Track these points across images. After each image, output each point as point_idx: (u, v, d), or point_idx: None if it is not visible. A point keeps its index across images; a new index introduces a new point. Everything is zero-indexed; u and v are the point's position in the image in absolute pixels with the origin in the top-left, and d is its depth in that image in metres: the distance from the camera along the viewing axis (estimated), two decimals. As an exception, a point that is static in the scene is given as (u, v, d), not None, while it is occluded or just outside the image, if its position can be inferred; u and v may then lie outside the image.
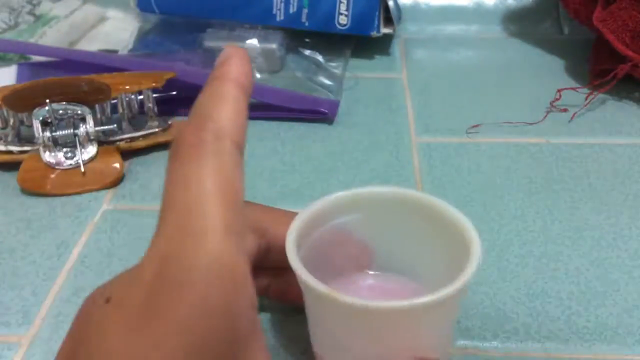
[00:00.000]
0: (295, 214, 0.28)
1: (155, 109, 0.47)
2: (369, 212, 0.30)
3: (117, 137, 0.46)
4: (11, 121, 0.45)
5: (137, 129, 0.47)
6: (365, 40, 0.61)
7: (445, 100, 0.54)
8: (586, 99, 0.51)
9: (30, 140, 0.45)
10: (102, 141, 0.45)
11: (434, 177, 0.44)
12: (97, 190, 0.43)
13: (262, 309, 0.33)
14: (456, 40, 0.65)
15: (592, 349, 0.31)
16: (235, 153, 0.22)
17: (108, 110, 0.46)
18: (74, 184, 0.43)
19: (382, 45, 0.63)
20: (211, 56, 0.56)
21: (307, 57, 0.59)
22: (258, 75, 0.57)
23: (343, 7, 0.58)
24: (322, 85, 0.55)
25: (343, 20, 0.59)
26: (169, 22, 0.65)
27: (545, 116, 0.50)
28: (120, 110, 0.47)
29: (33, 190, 0.43)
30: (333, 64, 0.58)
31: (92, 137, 0.44)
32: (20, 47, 0.58)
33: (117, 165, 0.44)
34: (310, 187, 0.43)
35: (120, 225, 0.40)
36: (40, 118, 0.43)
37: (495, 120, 0.50)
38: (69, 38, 0.63)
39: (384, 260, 0.31)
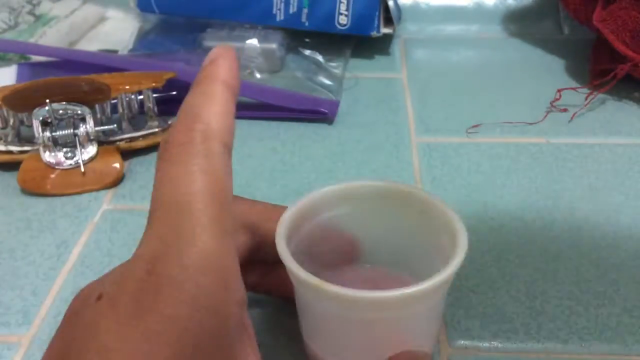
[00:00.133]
0: (283, 208, 0.29)
1: (155, 109, 0.47)
2: (357, 205, 0.30)
3: (117, 137, 0.46)
4: (11, 121, 0.45)
5: (137, 129, 0.47)
6: (365, 40, 0.61)
7: (445, 100, 0.54)
8: (586, 99, 0.51)
9: (30, 140, 0.45)
10: (102, 141, 0.45)
11: (434, 177, 0.44)
12: (97, 190, 0.43)
13: (253, 304, 0.33)
14: (456, 40, 0.65)
15: (592, 349, 0.31)
16: (224, 153, 0.23)
17: (108, 110, 0.46)
18: (74, 184, 0.43)
19: (382, 45, 0.63)
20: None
21: (307, 57, 0.60)
22: (258, 75, 0.57)
23: (343, 7, 0.58)
24: (322, 85, 0.55)
25: (343, 20, 0.59)
26: (169, 22, 0.65)
27: (545, 116, 0.50)
28: (120, 110, 0.47)
29: (33, 190, 0.43)
30: (333, 64, 0.58)
31: (92, 137, 0.44)
32: (20, 47, 0.58)
33: (117, 165, 0.44)
34: (310, 187, 0.43)
35: (120, 225, 0.40)
36: (40, 118, 0.43)
37: (495, 120, 0.50)
38: (69, 38, 0.63)
39: (374, 253, 0.32)
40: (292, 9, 0.59)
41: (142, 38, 0.64)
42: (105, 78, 0.46)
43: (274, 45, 0.58)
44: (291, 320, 0.30)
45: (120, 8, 0.69)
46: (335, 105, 0.52)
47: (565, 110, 0.51)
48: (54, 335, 0.22)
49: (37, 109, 0.43)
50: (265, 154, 0.47)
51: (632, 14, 0.51)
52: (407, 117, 0.51)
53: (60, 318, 0.33)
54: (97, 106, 0.45)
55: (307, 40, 0.61)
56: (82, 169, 0.44)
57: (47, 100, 0.43)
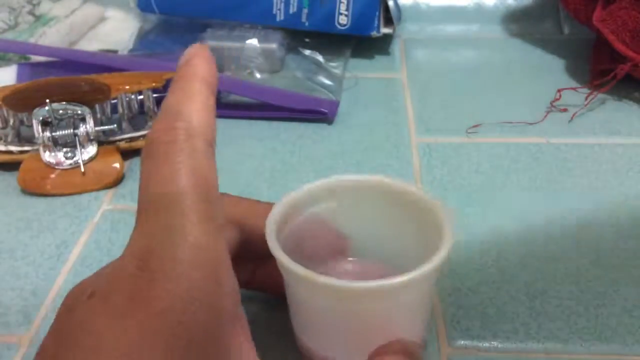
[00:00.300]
0: (270, 204, 0.29)
1: (155, 108, 0.47)
2: (345, 200, 0.31)
3: (117, 137, 0.46)
4: (11, 121, 0.45)
5: (137, 129, 0.47)
6: (365, 40, 0.61)
7: (445, 100, 0.54)
8: (586, 99, 0.51)
9: (30, 140, 0.45)
10: (102, 141, 0.45)
11: (434, 177, 0.44)
12: (97, 190, 0.43)
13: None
14: (456, 40, 0.65)
15: (592, 349, 0.31)
16: (207, 149, 0.23)
17: (108, 110, 0.46)
18: (74, 184, 0.43)
19: (382, 45, 0.63)
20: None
21: (307, 57, 0.60)
22: (258, 76, 0.57)
23: (343, 7, 0.58)
24: (322, 85, 0.55)
25: (343, 20, 0.59)
26: (169, 22, 0.65)
27: (545, 116, 0.50)
28: (120, 110, 0.47)
29: (33, 190, 0.43)
30: (333, 64, 0.58)
31: (92, 137, 0.44)
32: (20, 47, 0.58)
33: (117, 165, 0.44)
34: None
35: (120, 225, 0.40)
36: (40, 118, 0.43)
37: (495, 120, 0.50)
38: (69, 38, 0.63)
39: (362, 247, 0.32)
40: (292, 9, 0.59)
41: (142, 38, 0.64)
42: (105, 78, 0.46)
43: (274, 45, 0.58)
44: (282, 315, 0.30)
45: (120, 8, 0.69)
46: (335, 105, 0.52)
47: (565, 110, 0.51)
48: (47, 333, 0.22)
49: (37, 109, 0.43)
50: (265, 154, 0.47)
51: (632, 14, 0.51)
52: (407, 117, 0.51)
53: (60, 318, 0.33)
54: (97, 106, 0.45)
55: (307, 40, 0.61)
56: (82, 169, 0.44)
57: (47, 100, 0.43)
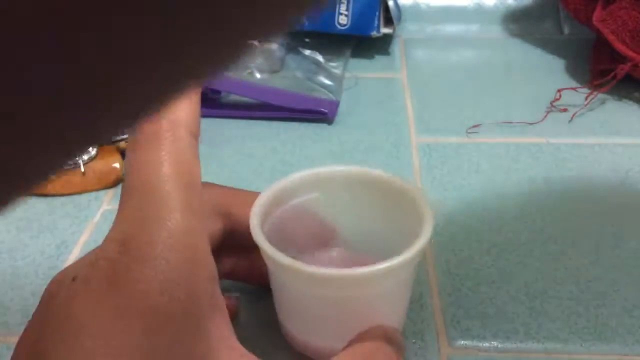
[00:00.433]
0: (255, 193, 0.29)
1: (155, 109, 0.47)
2: (329, 190, 0.31)
3: (117, 137, 0.46)
4: (11, 121, 0.45)
5: (137, 129, 0.47)
6: (365, 40, 0.61)
7: (445, 100, 0.54)
8: (586, 99, 0.51)
9: (30, 140, 0.45)
10: (102, 141, 0.45)
11: (434, 177, 0.44)
12: (97, 190, 0.43)
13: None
14: (456, 40, 0.65)
15: (592, 349, 0.31)
16: (191, 140, 0.24)
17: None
18: (74, 184, 0.43)
19: (382, 45, 0.63)
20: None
21: (307, 57, 0.60)
22: (258, 76, 0.57)
23: (343, 7, 0.58)
24: (322, 85, 0.55)
25: (343, 20, 0.59)
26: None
27: (545, 116, 0.50)
28: (120, 110, 0.47)
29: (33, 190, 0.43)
30: (333, 64, 0.58)
31: (92, 137, 0.44)
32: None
33: (117, 165, 0.44)
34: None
35: (120, 225, 0.40)
36: (40, 118, 0.43)
37: (495, 120, 0.50)
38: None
39: (347, 237, 0.32)
40: (292, 9, 0.59)
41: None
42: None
43: (274, 46, 0.58)
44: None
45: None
46: (335, 105, 0.52)
47: (565, 110, 0.51)
48: (30, 318, 0.23)
49: (37, 109, 0.43)
50: (265, 154, 0.47)
51: (632, 14, 0.51)
52: (407, 117, 0.51)
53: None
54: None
55: (307, 40, 0.61)
56: (82, 169, 0.43)
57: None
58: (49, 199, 0.42)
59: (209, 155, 0.46)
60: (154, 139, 0.23)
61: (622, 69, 0.51)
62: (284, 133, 0.49)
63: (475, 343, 0.31)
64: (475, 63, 0.61)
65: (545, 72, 0.58)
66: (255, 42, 0.57)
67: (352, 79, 0.57)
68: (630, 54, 0.51)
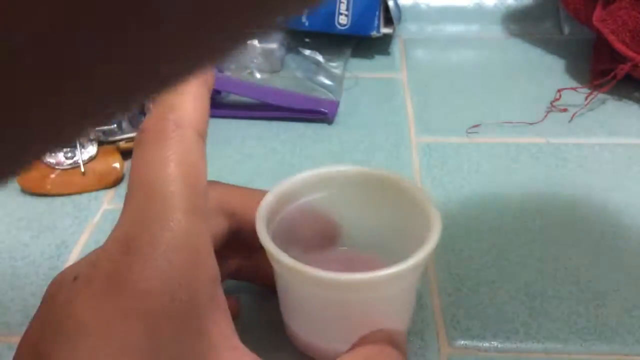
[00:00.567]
0: (263, 192, 0.29)
1: (155, 109, 0.47)
2: (336, 190, 0.31)
3: (117, 137, 0.46)
4: (11, 121, 0.45)
5: (137, 128, 0.47)
6: (365, 40, 0.61)
7: (445, 100, 0.54)
8: (586, 99, 0.51)
9: (30, 140, 0.45)
10: (102, 141, 0.45)
11: (434, 177, 0.44)
12: (97, 190, 0.43)
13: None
14: (456, 40, 0.65)
15: (592, 349, 0.31)
16: (197, 139, 0.24)
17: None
18: (74, 184, 0.43)
19: (382, 45, 0.63)
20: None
21: (307, 57, 0.59)
22: (258, 76, 0.57)
23: (343, 7, 0.58)
24: (322, 85, 0.55)
25: (343, 20, 0.59)
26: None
27: (545, 116, 0.50)
28: (120, 110, 0.47)
29: (33, 190, 0.43)
30: (333, 64, 0.58)
31: (92, 137, 0.44)
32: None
33: (117, 165, 0.44)
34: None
35: (120, 225, 0.40)
36: (40, 118, 0.43)
37: (495, 120, 0.50)
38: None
39: (353, 237, 0.32)
40: (292, 9, 0.59)
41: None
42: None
43: (274, 45, 0.58)
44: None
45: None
46: (335, 105, 0.52)
47: (565, 110, 0.51)
48: (32, 318, 0.23)
49: (37, 109, 0.43)
50: (265, 154, 0.47)
51: (632, 14, 0.51)
52: (407, 117, 0.51)
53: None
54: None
55: (307, 40, 0.61)
56: (82, 169, 0.43)
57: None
58: (49, 199, 0.42)
59: (208, 155, 0.46)
60: (161, 139, 0.23)
61: (622, 69, 0.51)
62: (284, 133, 0.49)
63: (475, 343, 0.31)
64: (475, 63, 0.61)
65: (545, 72, 0.58)
66: (255, 42, 0.57)
67: (352, 79, 0.57)
68: (630, 54, 0.51)
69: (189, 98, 0.24)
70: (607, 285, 0.35)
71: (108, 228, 0.40)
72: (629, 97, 0.53)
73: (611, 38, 0.52)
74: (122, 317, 0.20)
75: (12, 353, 0.31)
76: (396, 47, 0.63)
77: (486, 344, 0.31)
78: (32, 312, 0.34)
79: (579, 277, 0.35)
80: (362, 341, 0.27)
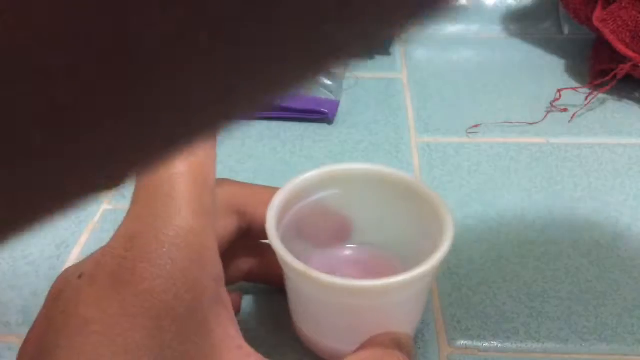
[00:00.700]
0: (274, 189, 0.29)
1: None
2: (347, 187, 0.31)
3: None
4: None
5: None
6: (365, 40, 0.61)
7: (445, 100, 0.54)
8: (586, 99, 0.51)
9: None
10: (102, 141, 0.45)
11: (434, 177, 0.44)
12: (97, 190, 0.43)
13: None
14: (456, 40, 0.65)
15: (592, 349, 0.31)
16: None
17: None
18: (74, 184, 0.43)
19: (382, 46, 0.63)
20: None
21: (307, 57, 0.59)
22: (258, 75, 0.57)
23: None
24: (322, 85, 0.55)
25: (343, 20, 0.59)
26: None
27: (545, 116, 0.50)
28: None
29: (33, 190, 0.43)
30: (333, 64, 0.58)
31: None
32: None
33: (117, 165, 0.44)
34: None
35: (120, 225, 0.40)
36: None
37: (495, 120, 0.50)
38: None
39: (364, 234, 0.32)
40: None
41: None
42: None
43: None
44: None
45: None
46: (335, 105, 0.52)
47: (565, 110, 0.51)
48: (37, 315, 0.23)
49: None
50: (265, 154, 0.47)
51: (632, 14, 0.51)
52: (407, 117, 0.51)
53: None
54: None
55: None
56: (82, 169, 0.43)
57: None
58: (49, 199, 0.42)
59: (209, 155, 0.46)
60: None
61: (622, 69, 0.51)
62: (284, 133, 0.49)
63: (475, 343, 0.31)
64: (475, 63, 0.61)
65: (545, 72, 0.58)
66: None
67: (352, 79, 0.57)
68: (630, 54, 0.51)
69: None
70: (607, 285, 0.35)
71: (108, 228, 0.40)
72: (629, 97, 0.53)
73: (611, 38, 0.52)
74: (127, 315, 0.20)
75: (12, 353, 0.31)
76: (396, 47, 0.63)
77: (486, 344, 0.31)
78: (32, 312, 0.34)
79: (579, 277, 0.35)
80: (370, 343, 0.27)
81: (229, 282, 0.25)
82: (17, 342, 0.32)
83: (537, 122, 0.50)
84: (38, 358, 0.21)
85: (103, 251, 0.22)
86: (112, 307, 0.21)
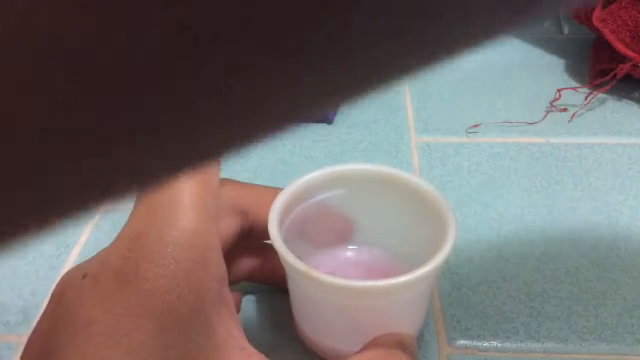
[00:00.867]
0: (277, 190, 0.29)
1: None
2: (351, 188, 0.31)
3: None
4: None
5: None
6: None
7: (445, 100, 0.54)
8: (586, 99, 0.51)
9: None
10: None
11: (434, 177, 0.44)
12: (97, 190, 0.43)
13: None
14: (456, 40, 0.65)
15: (592, 349, 0.31)
16: None
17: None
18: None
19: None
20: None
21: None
22: (258, 75, 0.57)
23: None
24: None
25: (343, 20, 0.59)
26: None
27: (545, 116, 0.50)
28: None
29: (33, 190, 0.43)
30: (333, 64, 0.58)
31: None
32: None
33: (117, 165, 0.44)
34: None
35: (120, 225, 0.40)
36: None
37: (495, 120, 0.50)
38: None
39: (367, 234, 0.32)
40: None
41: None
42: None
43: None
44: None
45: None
46: (335, 105, 0.52)
47: (565, 110, 0.51)
48: (41, 315, 0.23)
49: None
50: (265, 154, 0.47)
51: (632, 14, 0.51)
52: (407, 117, 0.51)
53: (60, 318, 0.33)
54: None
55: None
56: (82, 169, 0.43)
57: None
58: (49, 199, 0.42)
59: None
60: None
61: (622, 69, 0.51)
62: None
63: (475, 343, 0.31)
64: (475, 63, 0.61)
65: (545, 72, 0.58)
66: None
67: (352, 79, 0.57)
68: (630, 54, 0.51)
69: None
70: (607, 285, 0.35)
71: (108, 228, 0.40)
72: (629, 97, 0.53)
73: (611, 38, 0.52)
74: (131, 316, 0.20)
75: (12, 353, 0.32)
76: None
77: (486, 344, 0.31)
78: (32, 312, 0.34)
79: (579, 277, 0.35)
80: (373, 344, 0.27)
81: (231, 282, 0.25)
82: (17, 342, 0.32)
83: (537, 122, 0.50)
84: (42, 359, 0.21)
85: (107, 252, 0.22)
86: (116, 308, 0.21)
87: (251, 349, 0.23)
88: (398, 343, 0.27)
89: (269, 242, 0.27)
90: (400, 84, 0.10)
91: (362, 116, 0.52)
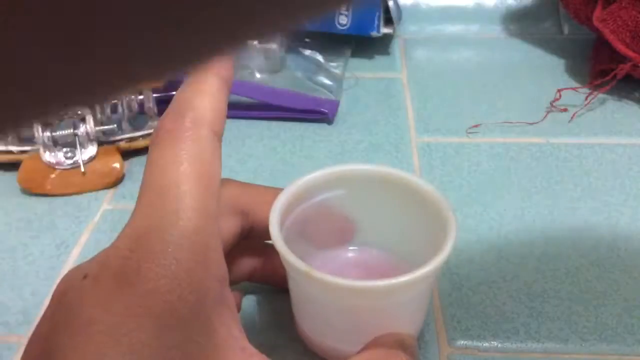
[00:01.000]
0: (277, 190, 0.29)
1: (155, 109, 0.47)
2: (351, 188, 0.31)
3: (117, 137, 0.46)
4: (11, 121, 0.45)
5: (137, 129, 0.47)
6: (365, 40, 0.61)
7: (445, 100, 0.54)
8: (586, 99, 0.51)
9: (30, 140, 0.45)
10: (102, 141, 0.45)
11: (434, 177, 0.44)
12: (97, 190, 0.43)
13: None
14: (456, 40, 0.65)
15: (592, 349, 0.31)
16: (213, 140, 0.24)
17: (108, 110, 0.46)
18: (74, 184, 0.43)
19: (382, 45, 0.63)
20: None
21: (307, 57, 0.59)
22: (258, 75, 0.57)
23: (343, 7, 0.58)
24: (322, 85, 0.55)
25: (343, 20, 0.59)
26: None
27: (545, 116, 0.50)
28: (120, 110, 0.47)
29: (33, 190, 0.43)
30: (333, 64, 0.58)
31: (92, 137, 0.44)
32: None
33: (117, 165, 0.44)
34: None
35: (120, 225, 0.40)
36: (40, 118, 0.43)
37: (495, 120, 0.50)
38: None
39: (368, 234, 0.32)
40: (292, 9, 0.59)
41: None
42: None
43: (274, 46, 0.58)
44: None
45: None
46: (335, 105, 0.52)
47: (565, 110, 0.51)
48: (42, 316, 0.23)
49: (37, 109, 0.43)
50: (265, 154, 0.47)
51: (632, 14, 0.51)
52: (407, 117, 0.51)
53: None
54: (97, 106, 0.45)
55: (307, 40, 0.61)
56: (82, 169, 0.43)
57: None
58: (49, 199, 0.42)
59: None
60: (176, 137, 0.23)
61: (622, 69, 0.51)
62: (284, 133, 0.49)
63: (475, 343, 0.31)
64: (475, 63, 0.61)
65: (545, 72, 0.58)
66: (255, 42, 0.57)
67: (352, 79, 0.57)
68: (630, 54, 0.51)
69: (207, 98, 0.24)
70: (607, 285, 0.35)
71: (108, 228, 0.40)
72: (629, 97, 0.53)
73: (611, 38, 0.52)
74: (131, 315, 0.20)
75: (12, 353, 0.32)
76: (396, 47, 0.63)
77: (486, 344, 0.31)
78: (32, 312, 0.34)
79: (579, 277, 0.35)
80: (373, 343, 0.27)
81: (231, 282, 0.25)
82: (17, 342, 0.32)
83: (537, 122, 0.50)
84: (42, 359, 0.21)
85: (107, 252, 0.22)
86: (116, 308, 0.21)
87: (251, 349, 0.23)
88: (398, 343, 0.27)
89: (269, 242, 0.27)
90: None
91: (362, 116, 0.52)
